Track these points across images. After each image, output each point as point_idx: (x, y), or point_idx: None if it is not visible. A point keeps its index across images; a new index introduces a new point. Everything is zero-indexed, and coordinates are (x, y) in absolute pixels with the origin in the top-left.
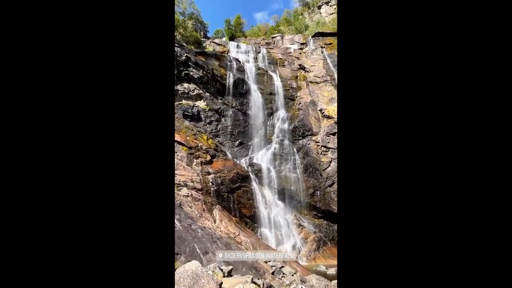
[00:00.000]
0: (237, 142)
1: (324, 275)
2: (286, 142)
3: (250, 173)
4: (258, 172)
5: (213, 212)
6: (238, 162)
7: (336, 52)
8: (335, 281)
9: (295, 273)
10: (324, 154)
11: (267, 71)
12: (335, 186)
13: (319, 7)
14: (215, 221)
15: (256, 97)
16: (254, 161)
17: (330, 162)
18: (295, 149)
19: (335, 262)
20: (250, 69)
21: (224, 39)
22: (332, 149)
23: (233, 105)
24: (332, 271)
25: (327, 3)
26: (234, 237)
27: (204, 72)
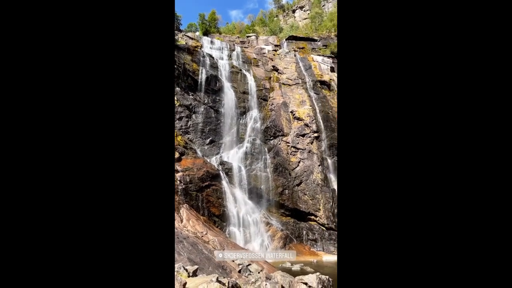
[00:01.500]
0: (208, 140)
1: (289, 271)
2: (258, 141)
3: (220, 171)
4: (228, 170)
5: (180, 211)
6: (208, 160)
7: (308, 57)
8: (299, 277)
9: (261, 271)
10: (294, 155)
11: (241, 70)
12: (303, 185)
13: (294, 11)
14: (182, 220)
15: (229, 95)
16: (225, 159)
17: (299, 162)
18: (266, 149)
19: (300, 258)
20: (224, 66)
21: (197, 33)
22: (301, 150)
23: (205, 102)
24: (297, 267)
25: (301, 7)
26: (202, 236)
27: (175, 66)
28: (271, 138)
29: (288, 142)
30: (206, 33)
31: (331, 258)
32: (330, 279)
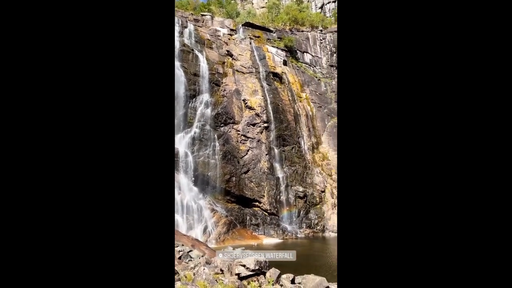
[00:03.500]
0: None
1: (230, 255)
2: (208, 127)
3: None
4: (174, 156)
5: None
6: None
7: (263, 47)
8: (237, 260)
9: (202, 256)
10: (243, 143)
11: (193, 50)
12: (250, 173)
13: None
14: None
15: (178, 76)
16: None
17: (248, 150)
18: (216, 136)
19: (242, 242)
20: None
21: None
22: (250, 139)
23: None
24: (238, 250)
25: None
26: None
27: None
28: (222, 125)
29: (239, 130)
30: None
31: (270, 240)
32: (267, 260)
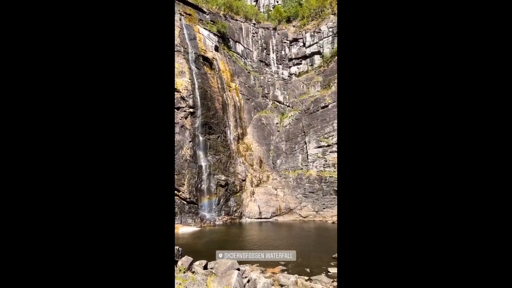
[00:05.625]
0: None
1: None
2: None
3: None
4: None
5: None
6: None
7: (194, 26)
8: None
9: None
10: None
11: None
12: None
13: None
14: None
15: None
16: None
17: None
18: None
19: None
20: None
21: None
22: (175, 123)
23: None
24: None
25: None
26: None
27: None
28: None
29: None
30: None
31: (187, 229)
32: (180, 248)
